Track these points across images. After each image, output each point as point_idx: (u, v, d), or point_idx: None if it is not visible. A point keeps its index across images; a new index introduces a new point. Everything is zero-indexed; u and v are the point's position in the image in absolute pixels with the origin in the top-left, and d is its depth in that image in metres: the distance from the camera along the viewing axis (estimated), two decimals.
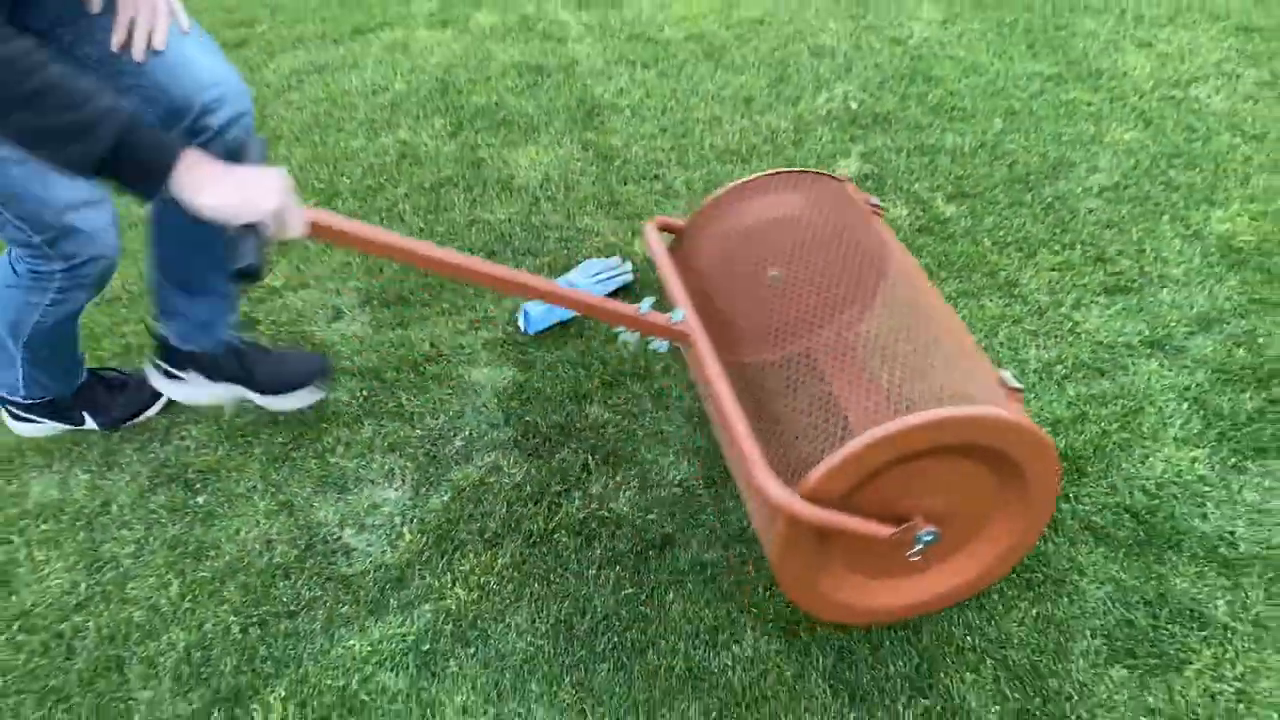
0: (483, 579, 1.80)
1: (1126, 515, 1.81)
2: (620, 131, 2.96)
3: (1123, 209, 2.52)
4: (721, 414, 1.52)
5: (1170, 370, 2.09)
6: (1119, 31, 3.10)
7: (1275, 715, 1.52)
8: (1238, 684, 1.56)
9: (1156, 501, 1.84)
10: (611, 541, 1.85)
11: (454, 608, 1.76)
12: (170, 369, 2.06)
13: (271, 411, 2.12)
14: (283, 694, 1.65)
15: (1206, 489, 1.86)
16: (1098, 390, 2.05)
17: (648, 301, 1.65)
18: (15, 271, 1.77)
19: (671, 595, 1.75)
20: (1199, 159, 2.63)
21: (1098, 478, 1.89)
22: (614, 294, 2.36)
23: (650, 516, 1.89)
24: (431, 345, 2.28)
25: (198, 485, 2.01)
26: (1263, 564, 1.72)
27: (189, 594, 1.81)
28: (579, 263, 2.43)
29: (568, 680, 1.64)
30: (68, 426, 2.10)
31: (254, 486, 2.00)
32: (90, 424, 2.10)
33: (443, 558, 1.84)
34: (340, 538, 1.88)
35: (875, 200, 1.88)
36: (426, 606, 1.76)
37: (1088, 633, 1.65)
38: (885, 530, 1.47)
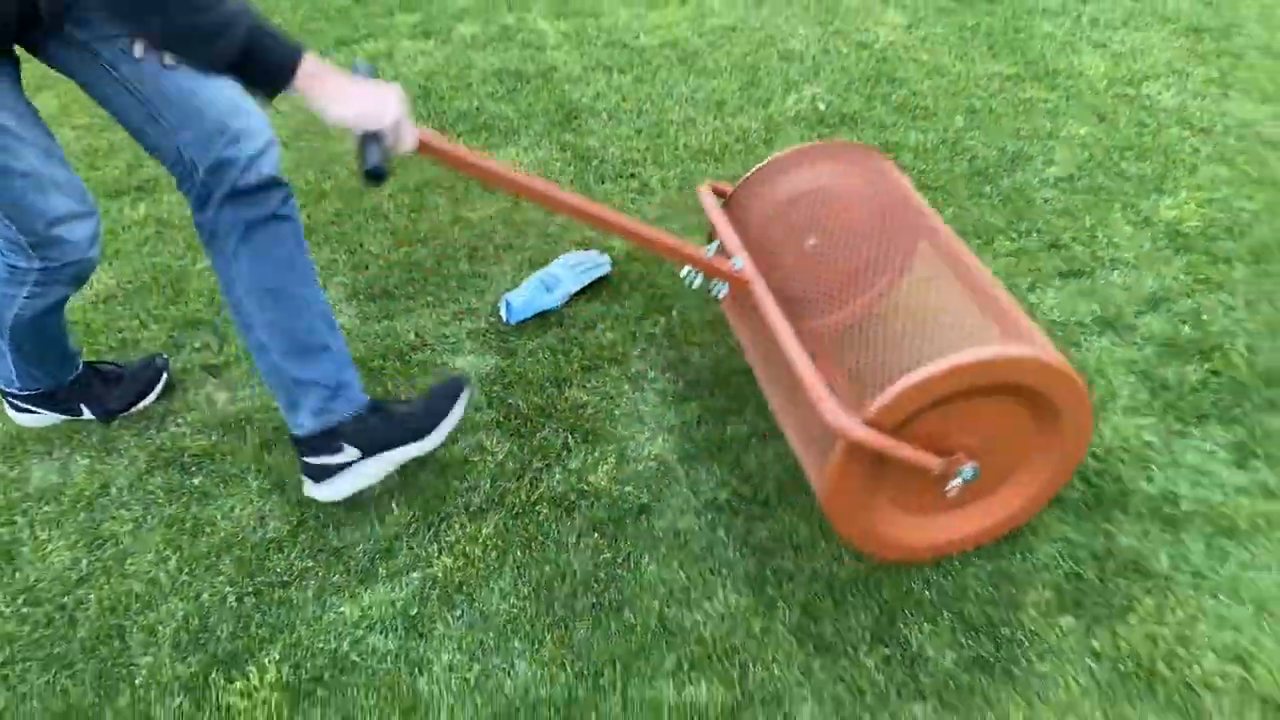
0: (467, 548, 1.89)
1: (1077, 478, 1.92)
2: (597, 133, 3.07)
3: (1077, 198, 2.64)
4: (782, 348, 1.67)
5: (1120, 346, 2.20)
6: (1075, 34, 3.24)
7: (1211, 654, 1.62)
8: (1178, 629, 1.67)
9: (1105, 465, 1.94)
10: (590, 511, 1.94)
11: (440, 575, 1.85)
12: (326, 462, 1.91)
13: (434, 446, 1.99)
14: (277, 657, 1.74)
15: (1152, 453, 1.96)
16: None
17: (714, 245, 1.77)
18: None
19: (647, 559, 1.85)
20: (1149, 151, 2.76)
21: None
22: (592, 284, 2.46)
23: (627, 489, 1.98)
24: (416, 335, 2.38)
25: (193, 468, 2.09)
26: (1202, 519, 1.83)
27: (186, 568, 1.90)
28: (559, 256, 2.53)
29: (549, 638, 1.73)
30: (66, 417, 2.19)
31: (247, 468, 2.09)
32: (88, 414, 2.18)
33: (429, 529, 1.93)
34: (331, 513, 1.97)
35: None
36: (414, 574, 1.85)
37: (1039, 586, 1.75)
38: (933, 461, 1.60)
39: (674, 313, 2.38)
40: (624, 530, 1.91)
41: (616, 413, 2.15)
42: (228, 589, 1.86)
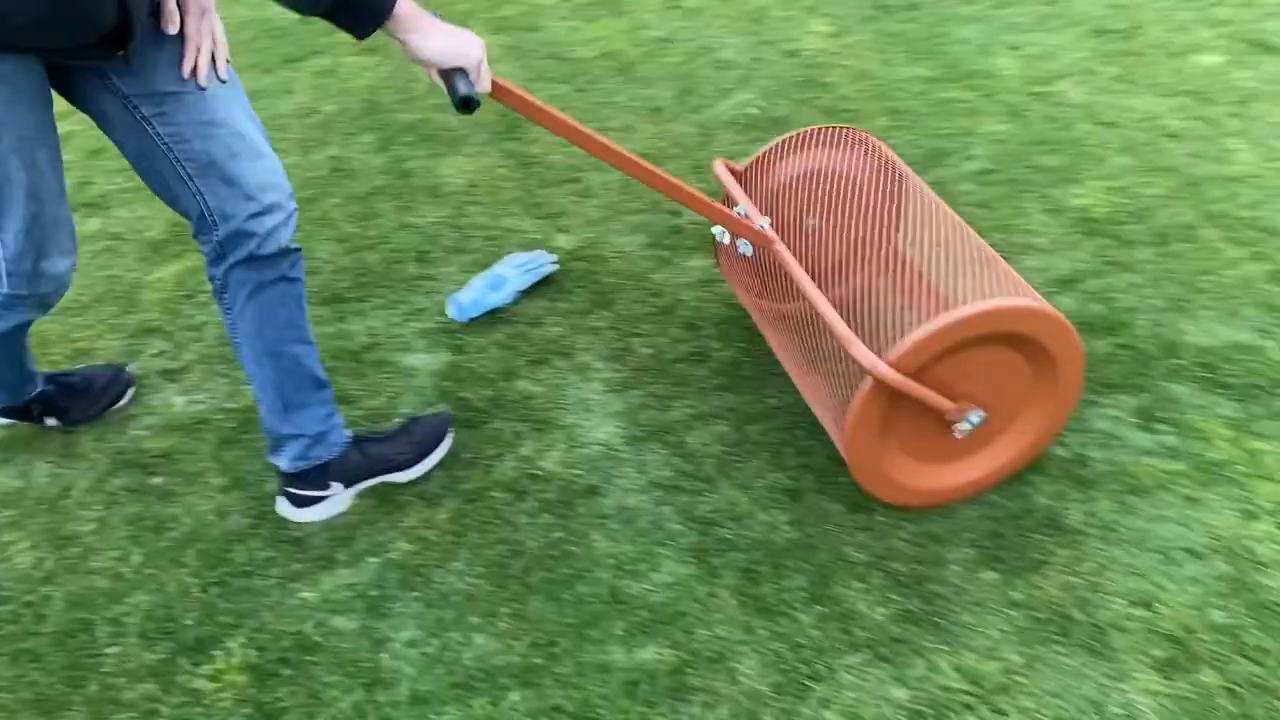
0: (424, 533, 1.97)
1: None
2: (540, 141, 3.18)
3: (994, 190, 2.79)
4: (808, 299, 1.83)
5: None
6: (990, 38, 3.41)
7: (1119, 599, 1.76)
8: (1089, 578, 1.80)
9: None
10: (541, 494, 2.04)
11: (398, 558, 1.93)
12: (308, 493, 2.00)
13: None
14: (242, 641, 1.81)
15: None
16: None
17: (742, 207, 1.98)
18: None
19: (596, 535, 1.95)
20: (1061, 145, 2.92)
21: None
22: (539, 282, 2.56)
23: (576, 471, 2.08)
24: (368, 336, 2.46)
25: (154, 469, 2.15)
26: (1111, 479, 1.97)
27: (150, 563, 1.96)
28: (505, 256, 2.63)
29: (504, 611, 1.82)
30: (26, 423, 2.23)
31: (207, 467, 2.15)
32: (52, 423, 2.23)
33: (386, 517, 2.01)
34: None
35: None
36: (373, 559, 1.93)
37: (962, 544, 1.87)
38: (948, 404, 1.76)
39: (618, 307, 2.49)
40: (574, 510, 2.00)
41: (564, 402, 2.25)
42: (191, 580, 1.92)
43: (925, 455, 1.89)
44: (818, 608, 1.79)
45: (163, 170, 1.67)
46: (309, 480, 1.98)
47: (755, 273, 2.24)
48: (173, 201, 1.73)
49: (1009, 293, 1.79)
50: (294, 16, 3.76)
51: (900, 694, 1.64)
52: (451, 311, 2.48)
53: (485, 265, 2.62)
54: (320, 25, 4.10)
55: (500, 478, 2.08)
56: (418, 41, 1.51)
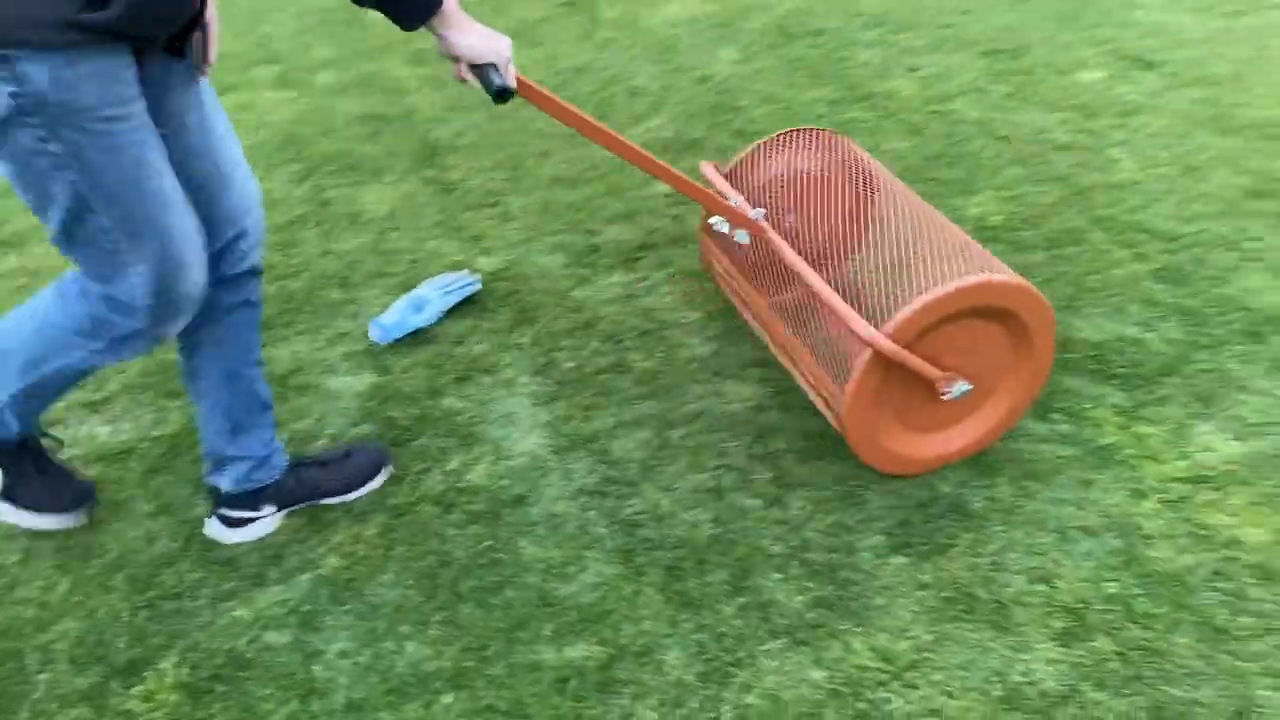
0: (353, 548, 2.01)
1: None
2: (459, 167, 3.24)
3: None
4: (805, 280, 1.97)
5: None
6: (889, 61, 3.58)
7: (1020, 577, 1.86)
8: (992, 558, 1.90)
9: None
10: (469, 506, 2.09)
11: (328, 574, 1.96)
12: (242, 515, 2.03)
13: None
14: (175, 661, 1.82)
15: None
16: None
17: (738, 198, 2.12)
18: (73, 310, 1.66)
19: (524, 542, 2.00)
20: (958, 159, 3.08)
21: None
22: (462, 303, 2.62)
23: (503, 482, 2.14)
24: (293, 361, 2.49)
25: None
26: (1010, 466, 2.08)
27: (78, 590, 1.96)
28: (427, 279, 2.68)
29: (435, 619, 1.87)
30: None
31: (134, 495, 2.16)
32: None
33: (317, 534, 2.04)
34: None
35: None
36: (304, 576, 1.96)
37: (872, 532, 1.97)
38: (938, 373, 1.92)
39: (540, 323, 2.56)
40: (501, 519, 2.05)
41: (490, 416, 2.30)
42: (121, 605, 1.93)
43: (917, 425, 2.03)
44: (739, 599, 1.86)
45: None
46: (244, 502, 2.01)
47: (747, 269, 2.34)
48: None
49: (990, 270, 1.96)
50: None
51: (818, 675, 1.72)
52: (374, 334, 2.52)
53: (408, 289, 2.67)
54: (234, 61, 4.11)
55: (428, 492, 2.12)
56: (455, 37, 1.61)
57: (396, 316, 2.52)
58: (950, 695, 1.68)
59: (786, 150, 2.33)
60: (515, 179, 3.17)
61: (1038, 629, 1.77)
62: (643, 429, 2.23)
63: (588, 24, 4.21)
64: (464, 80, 1.69)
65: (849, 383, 1.90)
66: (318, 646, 1.83)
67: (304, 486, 2.07)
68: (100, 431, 2.32)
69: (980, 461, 2.10)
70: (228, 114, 1.78)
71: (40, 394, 1.81)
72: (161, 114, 1.55)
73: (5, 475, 1.93)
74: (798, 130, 2.33)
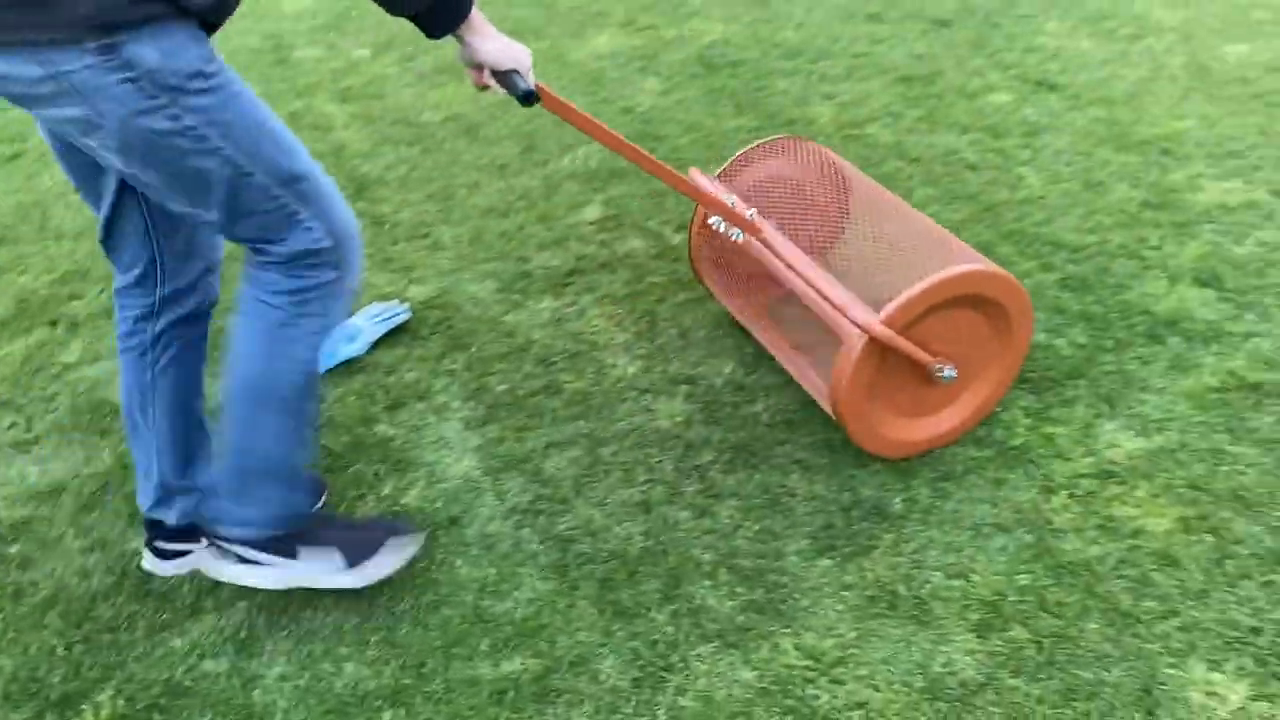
0: None
1: (824, 447, 2.24)
2: (390, 200, 3.29)
3: None
4: (800, 272, 2.06)
5: None
6: (807, 89, 3.71)
7: (939, 573, 1.94)
8: (912, 557, 1.98)
9: (837, 432, 2.26)
10: None
11: (264, 600, 1.98)
12: (175, 547, 2.00)
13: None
14: (111, 693, 1.83)
15: None
16: None
17: (733, 198, 2.20)
18: (269, 314, 1.68)
19: (460, 562, 2.04)
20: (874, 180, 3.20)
21: (806, 419, 2.31)
22: (395, 331, 2.66)
23: (437, 504, 2.17)
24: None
25: (10, 538, 2.15)
26: (927, 469, 2.17)
27: (10, 628, 1.96)
28: (361, 308, 2.72)
29: (373, 640, 1.89)
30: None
31: (65, 532, 2.16)
32: None
33: None
34: None
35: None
36: (240, 603, 1.98)
37: (798, 537, 2.04)
38: (927, 358, 2.02)
39: (472, 349, 2.61)
40: (437, 540, 2.09)
41: (424, 441, 2.34)
42: (55, 641, 1.93)
43: (907, 410, 2.13)
44: (670, 607, 1.92)
45: (132, 217, 1.72)
46: (182, 535, 2.01)
47: (741, 271, 2.46)
48: (116, 249, 1.77)
49: (973, 261, 2.06)
50: None
51: (748, 675, 1.78)
52: None
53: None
54: None
55: (362, 518, 2.15)
56: (479, 43, 1.68)
57: (329, 346, 2.55)
58: (875, 688, 1.74)
59: (768, 157, 2.45)
60: (446, 210, 3.22)
61: (956, 622, 1.85)
62: (574, 447, 2.29)
63: None
64: (485, 86, 1.76)
65: (847, 368, 1.99)
66: (256, 671, 1.85)
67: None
68: (30, 471, 2.31)
69: (899, 465, 2.18)
70: None
71: (314, 424, 1.88)
72: None
73: (341, 551, 1.87)
74: (778, 139, 2.47)
